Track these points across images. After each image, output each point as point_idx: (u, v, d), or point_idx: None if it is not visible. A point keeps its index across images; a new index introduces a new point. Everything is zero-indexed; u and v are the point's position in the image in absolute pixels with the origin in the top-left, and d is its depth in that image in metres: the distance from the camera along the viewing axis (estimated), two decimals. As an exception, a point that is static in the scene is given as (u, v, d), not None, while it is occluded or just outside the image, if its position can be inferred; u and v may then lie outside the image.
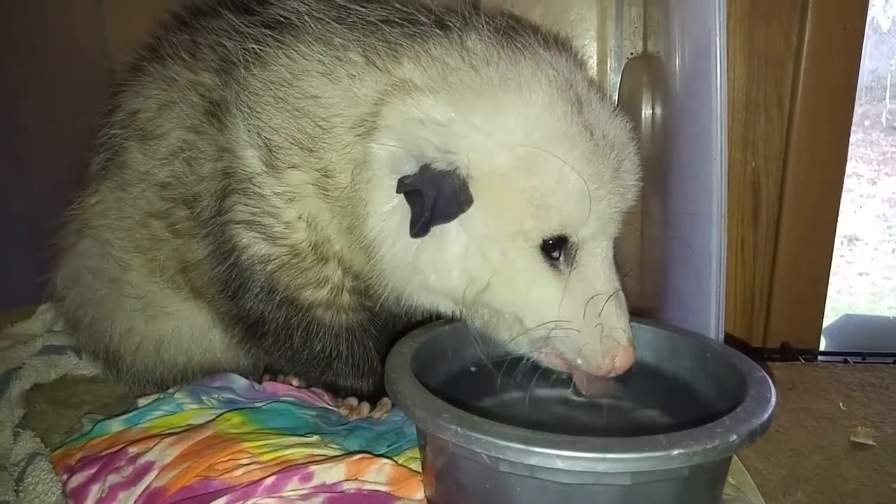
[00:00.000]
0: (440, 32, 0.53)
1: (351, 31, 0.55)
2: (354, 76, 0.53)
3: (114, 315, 0.70)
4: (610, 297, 0.51)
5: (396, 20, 0.54)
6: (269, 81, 0.56)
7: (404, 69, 0.52)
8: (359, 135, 0.53)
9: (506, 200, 0.49)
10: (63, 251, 0.73)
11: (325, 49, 0.55)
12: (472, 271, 0.51)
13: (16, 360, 0.78)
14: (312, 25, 0.56)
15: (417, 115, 0.49)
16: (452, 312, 0.56)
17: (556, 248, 0.50)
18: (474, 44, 0.52)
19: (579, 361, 0.52)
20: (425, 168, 0.49)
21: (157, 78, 0.66)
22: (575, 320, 0.51)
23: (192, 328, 0.69)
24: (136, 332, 0.70)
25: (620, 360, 0.50)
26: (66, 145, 0.81)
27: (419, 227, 0.49)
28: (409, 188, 0.49)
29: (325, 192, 0.56)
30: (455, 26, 0.53)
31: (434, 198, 0.48)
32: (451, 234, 0.51)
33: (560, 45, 0.56)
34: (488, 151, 0.48)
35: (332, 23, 0.56)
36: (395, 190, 0.50)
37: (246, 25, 0.59)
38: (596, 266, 0.52)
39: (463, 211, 0.49)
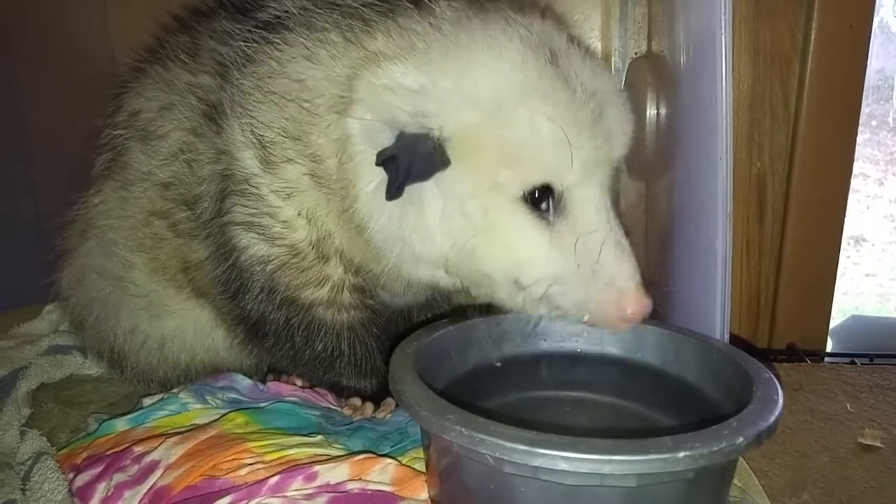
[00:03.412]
0: (411, 6, 0.53)
1: (331, 14, 0.55)
2: (335, 56, 0.53)
3: (117, 314, 0.70)
4: (606, 241, 0.48)
5: (375, 1, 0.55)
6: (258, 77, 0.56)
7: (377, 43, 0.52)
8: (337, 112, 0.53)
9: (480, 156, 0.48)
10: (68, 252, 0.73)
11: (308, 33, 0.55)
12: (454, 233, 0.50)
13: (22, 360, 0.78)
14: (297, 14, 0.57)
15: (386, 83, 0.49)
16: (454, 287, 0.55)
17: (543, 200, 0.49)
18: (443, 10, 0.52)
19: (587, 317, 0.49)
20: (401, 136, 0.49)
21: (157, 80, 0.67)
22: (570, 271, 0.48)
23: (194, 327, 0.70)
24: (139, 332, 0.70)
25: (631, 307, 0.47)
26: (72, 146, 0.82)
27: (393, 189, 0.49)
28: (386, 156, 0.49)
29: (319, 181, 0.56)
30: None
31: (409, 162, 0.48)
32: (428, 196, 0.50)
33: (543, 12, 0.55)
34: (458, 109, 0.48)
35: (316, 9, 0.56)
36: (375, 164, 0.50)
37: (238, 26, 0.60)
38: (588, 213, 0.49)
39: (438, 170, 0.49)
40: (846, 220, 0.89)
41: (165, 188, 0.65)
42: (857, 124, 0.87)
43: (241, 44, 0.58)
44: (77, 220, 0.72)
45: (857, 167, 0.92)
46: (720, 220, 0.57)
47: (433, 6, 0.52)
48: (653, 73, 0.84)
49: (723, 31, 0.55)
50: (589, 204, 0.50)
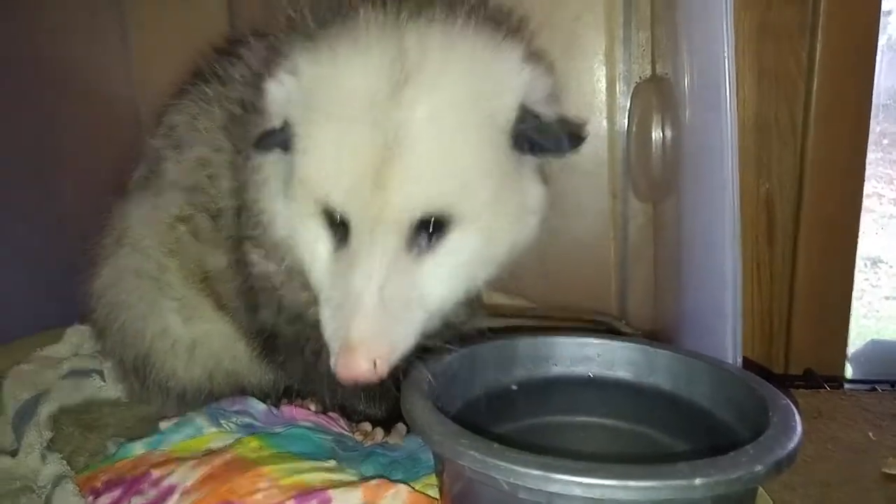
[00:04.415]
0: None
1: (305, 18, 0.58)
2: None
3: (147, 317, 0.71)
4: (353, 290, 0.45)
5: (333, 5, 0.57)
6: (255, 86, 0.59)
7: (301, 39, 0.54)
8: None
9: (297, 158, 0.50)
10: (102, 258, 0.74)
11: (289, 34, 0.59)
12: (287, 226, 0.52)
13: (44, 384, 0.80)
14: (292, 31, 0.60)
15: (283, 73, 0.52)
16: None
17: (342, 224, 0.48)
18: (367, 12, 0.51)
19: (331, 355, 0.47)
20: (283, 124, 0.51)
21: (195, 95, 0.70)
22: (325, 302, 0.48)
23: (221, 334, 0.71)
24: (169, 334, 0.71)
25: (339, 366, 0.45)
26: (94, 176, 0.85)
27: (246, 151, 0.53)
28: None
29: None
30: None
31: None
32: (267, 197, 0.54)
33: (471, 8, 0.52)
34: (293, 107, 0.50)
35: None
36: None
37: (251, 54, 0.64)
38: (360, 253, 0.46)
39: (276, 149, 0.51)
40: (861, 241, 0.88)
41: (189, 193, 0.68)
42: (867, 143, 0.87)
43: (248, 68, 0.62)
44: (114, 228, 0.74)
45: (871, 187, 0.91)
46: (728, 241, 0.57)
47: (361, 9, 0.51)
48: (658, 97, 0.85)
49: (726, 52, 0.56)
50: (365, 245, 0.46)
